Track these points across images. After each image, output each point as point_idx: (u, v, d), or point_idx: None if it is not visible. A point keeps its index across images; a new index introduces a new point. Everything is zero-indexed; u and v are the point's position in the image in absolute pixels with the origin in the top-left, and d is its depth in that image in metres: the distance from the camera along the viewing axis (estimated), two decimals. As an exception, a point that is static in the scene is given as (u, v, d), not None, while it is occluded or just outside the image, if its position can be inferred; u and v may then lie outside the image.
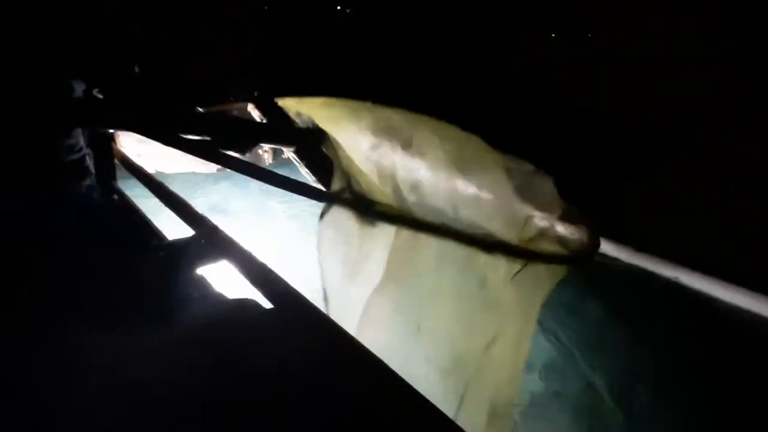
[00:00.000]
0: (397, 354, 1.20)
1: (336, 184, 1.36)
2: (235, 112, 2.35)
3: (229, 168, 1.46)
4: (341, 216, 1.30)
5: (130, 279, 1.14)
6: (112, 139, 1.89)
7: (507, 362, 1.29)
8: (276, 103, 1.60)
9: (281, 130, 1.60)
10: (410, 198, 1.37)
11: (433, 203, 1.37)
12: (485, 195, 1.58)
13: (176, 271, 1.21)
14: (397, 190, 1.38)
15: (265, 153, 3.01)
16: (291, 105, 1.71)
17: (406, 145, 1.73)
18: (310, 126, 1.56)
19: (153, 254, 1.28)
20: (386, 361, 0.92)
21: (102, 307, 1.05)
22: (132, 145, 2.07)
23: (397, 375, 0.89)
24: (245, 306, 1.08)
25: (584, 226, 1.53)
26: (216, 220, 1.42)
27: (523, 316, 1.28)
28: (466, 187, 1.48)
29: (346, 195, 1.33)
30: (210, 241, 1.29)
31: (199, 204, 1.50)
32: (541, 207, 1.66)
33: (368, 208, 1.32)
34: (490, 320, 1.29)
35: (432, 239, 1.31)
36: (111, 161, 1.85)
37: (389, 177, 1.40)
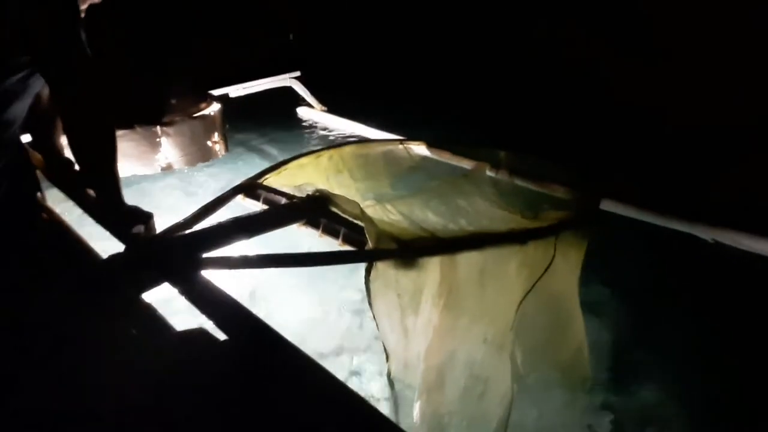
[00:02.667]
0: (478, 370, 1.21)
1: (370, 239, 1.22)
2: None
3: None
4: (384, 267, 1.17)
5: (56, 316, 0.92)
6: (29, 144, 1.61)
7: (569, 342, 1.39)
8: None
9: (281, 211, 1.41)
10: (426, 223, 1.34)
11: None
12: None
13: (110, 300, 0.99)
14: (410, 222, 1.38)
15: (216, 144, 2.78)
16: (273, 181, 1.69)
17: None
18: (311, 193, 1.46)
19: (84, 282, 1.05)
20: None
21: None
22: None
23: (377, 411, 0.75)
24: (194, 339, 0.89)
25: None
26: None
27: (566, 296, 1.37)
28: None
29: (378, 245, 1.20)
30: (148, 259, 1.08)
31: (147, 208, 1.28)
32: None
33: (403, 250, 1.19)
34: (541, 306, 1.34)
35: (468, 255, 1.24)
36: (31, 171, 1.57)
37: (395, 213, 1.42)
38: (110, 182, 1.24)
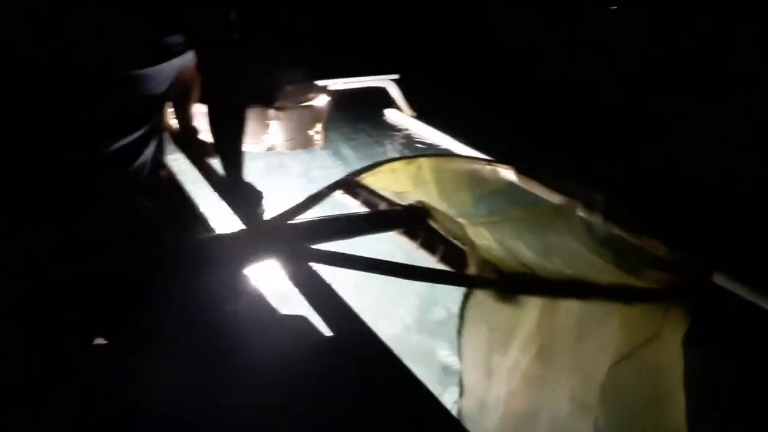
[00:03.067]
0: (560, 429, 1.14)
1: (472, 264, 1.20)
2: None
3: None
4: (483, 297, 1.14)
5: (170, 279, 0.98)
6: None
7: (664, 423, 1.27)
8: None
9: (380, 216, 1.42)
10: (520, 255, 1.27)
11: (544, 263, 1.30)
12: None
13: (222, 273, 1.05)
14: (507, 251, 1.30)
15: (317, 135, 2.89)
16: (370, 181, 1.68)
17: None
18: (412, 203, 1.44)
19: (197, 249, 1.12)
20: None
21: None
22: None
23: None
24: (302, 330, 0.91)
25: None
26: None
27: (667, 370, 1.24)
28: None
29: (480, 272, 1.17)
30: (261, 239, 1.13)
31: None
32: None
33: (505, 283, 1.16)
34: (637, 376, 1.23)
35: (569, 302, 1.15)
36: (160, 132, 1.71)
37: (489, 238, 1.33)
38: (235, 157, 1.31)
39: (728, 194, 3.69)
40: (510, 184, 2.42)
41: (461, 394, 1.16)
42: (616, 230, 2.07)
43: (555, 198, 2.28)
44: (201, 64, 1.23)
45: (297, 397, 0.80)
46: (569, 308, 1.24)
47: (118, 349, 0.88)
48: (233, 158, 1.31)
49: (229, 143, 1.31)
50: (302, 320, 0.94)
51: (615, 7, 5.89)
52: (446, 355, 2.25)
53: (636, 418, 1.38)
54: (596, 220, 2.14)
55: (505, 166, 2.40)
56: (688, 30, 4.89)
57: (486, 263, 1.21)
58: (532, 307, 1.17)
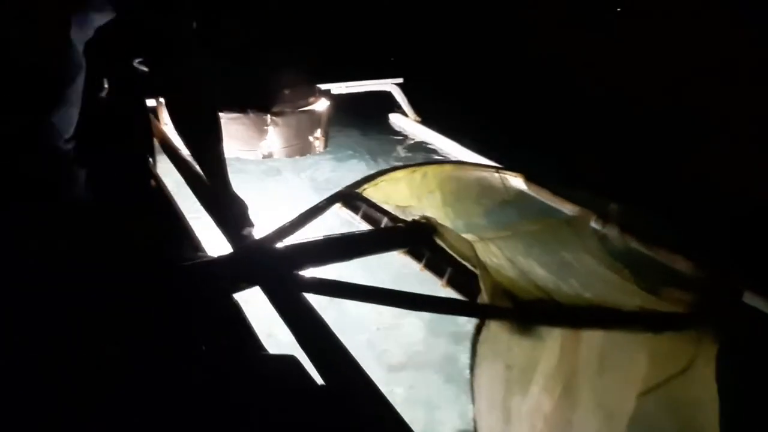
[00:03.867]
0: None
1: (484, 291, 1.07)
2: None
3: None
4: (498, 329, 1.01)
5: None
6: (152, 112, 1.66)
7: None
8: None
9: (382, 235, 1.30)
10: (533, 276, 1.13)
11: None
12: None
13: (199, 305, 0.93)
14: (519, 272, 1.17)
15: (316, 140, 2.78)
16: (371, 193, 1.58)
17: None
18: (417, 218, 1.32)
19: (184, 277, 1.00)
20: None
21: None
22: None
23: None
24: (289, 375, 0.79)
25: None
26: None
27: (701, 405, 1.09)
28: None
29: (494, 300, 1.04)
30: (249, 265, 1.01)
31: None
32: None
33: (522, 313, 1.03)
34: (667, 412, 1.10)
35: (591, 332, 1.01)
36: (150, 139, 1.61)
37: (499, 255, 1.22)
38: (212, 162, 1.19)
39: (753, 203, 3.54)
40: (519, 192, 2.28)
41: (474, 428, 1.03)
42: (633, 243, 1.93)
43: (566, 207, 2.14)
44: (146, 53, 1.10)
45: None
46: (591, 338, 1.11)
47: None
48: (209, 164, 1.19)
49: (198, 145, 1.18)
50: (291, 362, 0.82)
51: (619, 10, 5.78)
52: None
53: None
54: (611, 231, 2.00)
55: (513, 173, 2.27)
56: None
57: (499, 288, 1.08)
58: (553, 339, 1.04)
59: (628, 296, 1.37)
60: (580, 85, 5.43)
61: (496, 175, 2.28)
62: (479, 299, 1.07)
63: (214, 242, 1.25)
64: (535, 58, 6.04)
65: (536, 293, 1.16)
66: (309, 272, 1.05)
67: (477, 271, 1.12)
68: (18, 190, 0.87)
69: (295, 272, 0.98)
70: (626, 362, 1.16)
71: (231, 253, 1.05)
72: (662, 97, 4.80)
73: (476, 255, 1.17)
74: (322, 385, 0.77)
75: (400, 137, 4.58)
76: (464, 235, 1.49)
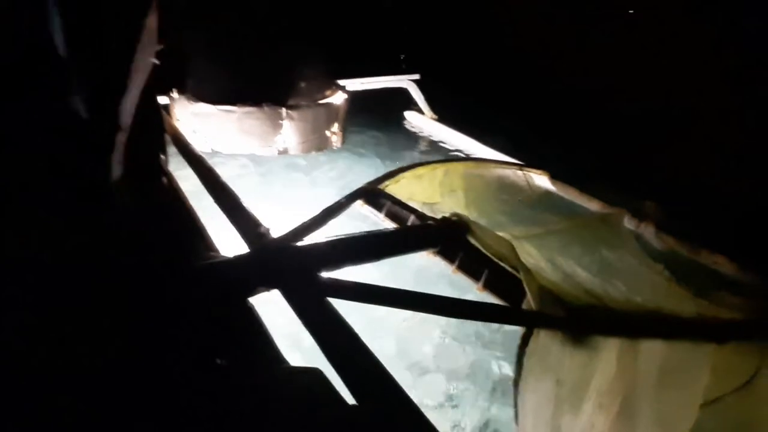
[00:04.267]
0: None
1: (531, 297, 0.95)
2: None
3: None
4: (547, 340, 0.90)
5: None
6: (165, 109, 1.58)
7: None
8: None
9: (410, 233, 1.18)
10: (577, 278, 1.00)
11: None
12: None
13: (223, 308, 0.83)
14: (562, 274, 1.05)
15: (333, 135, 2.68)
16: (393, 189, 1.49)
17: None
18: (447, 216, 1.21)
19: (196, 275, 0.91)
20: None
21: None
22: (187, 119, 1.76)
23: None
24: (313, 392, 0.68)
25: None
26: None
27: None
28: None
29: (542, 308, 0.92)
30: (267, 266, 0.91)
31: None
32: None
33: (576, 322, 0.91)
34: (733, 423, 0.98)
35: (650, 343, 0.88)
36: (161, 136, 1.53)
37: (535, 254, 1.10)
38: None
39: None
40: (545, 191, 2.16)
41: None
42: (671, 243, 1.78)
43: (594, 206, 2.00)
44: None
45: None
46: (650, 349, 0.99)
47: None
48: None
49: None
50: (316, 376, 0.71)
51: (632, 12, 5.59)
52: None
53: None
54: (647, 230, 1.85)
55: (537, 171, 2.14)
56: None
57: (546, 293, 0.96)
58: (608, 350, 0.92)
59: (682, 302, 1.24)
60: (596, 86, 5.25)
61: (520, 172, 2.16)
62: (524, 305, 0.95)
63: (228, 241, 1.16)
64: (553, 54, 5.86)
65: (586, 299, 1.04)
66: (331, 274, 0.95)
67: (520, 274, 1.00)
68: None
69: (318, 274, 0.88)
70: (687, 374, 1.03)
71: (247, 253, 0.95)
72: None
73: (516, 255, 1.05)
74: (353, 406, 0.66)
75: (416, 135, 4.47)
76: (497, 232, 1.37)
